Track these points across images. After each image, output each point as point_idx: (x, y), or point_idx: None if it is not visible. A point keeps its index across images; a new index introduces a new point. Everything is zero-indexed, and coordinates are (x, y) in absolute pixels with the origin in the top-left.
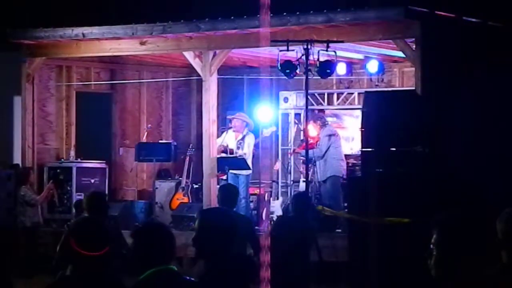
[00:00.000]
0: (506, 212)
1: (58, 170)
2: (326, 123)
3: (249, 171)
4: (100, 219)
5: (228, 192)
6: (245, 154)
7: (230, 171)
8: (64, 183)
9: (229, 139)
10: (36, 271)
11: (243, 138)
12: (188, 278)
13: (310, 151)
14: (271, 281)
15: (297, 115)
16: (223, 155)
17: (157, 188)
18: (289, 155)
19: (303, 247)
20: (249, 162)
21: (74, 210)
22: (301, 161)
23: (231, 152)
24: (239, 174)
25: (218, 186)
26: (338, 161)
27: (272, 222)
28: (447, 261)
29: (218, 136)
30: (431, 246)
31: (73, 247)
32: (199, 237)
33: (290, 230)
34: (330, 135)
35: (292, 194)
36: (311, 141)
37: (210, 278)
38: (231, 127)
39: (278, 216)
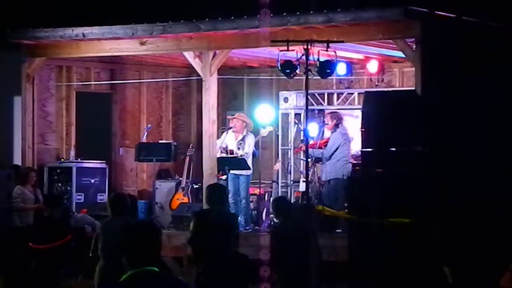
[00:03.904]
0: None
1: (58, 170)
2: (340, 123)
3: (250, 171)
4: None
5: (214, 192)
6: (246, 154)
7: (231, 171)
8: (64, 183)
9: (229, 139)
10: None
11: (243, 139)
12: (171, 277)
13: (319, 151)
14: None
15: (297, 115)
16: (223, 155)
17: (157, 188)
18: (295, 152)
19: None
20: (250, 162)
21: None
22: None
23: (231, 152)
24: (240, 175)
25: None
26: (345, 163)
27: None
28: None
29: (218, 136)
30: None
31: (28, 244)
32: (196, 237)
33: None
34: (343, 137)
35: (271, 200)
36: (312, 140)
37: (208, 278)
38: (230, 127)
39: (275, 227)
